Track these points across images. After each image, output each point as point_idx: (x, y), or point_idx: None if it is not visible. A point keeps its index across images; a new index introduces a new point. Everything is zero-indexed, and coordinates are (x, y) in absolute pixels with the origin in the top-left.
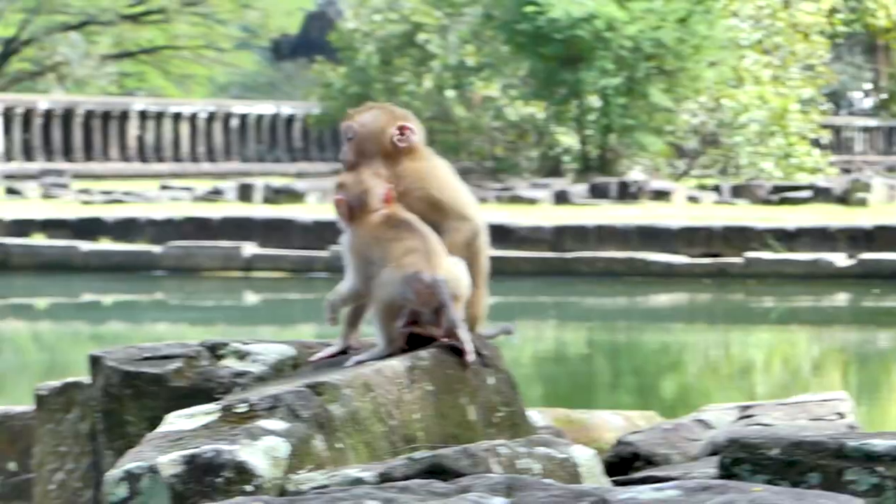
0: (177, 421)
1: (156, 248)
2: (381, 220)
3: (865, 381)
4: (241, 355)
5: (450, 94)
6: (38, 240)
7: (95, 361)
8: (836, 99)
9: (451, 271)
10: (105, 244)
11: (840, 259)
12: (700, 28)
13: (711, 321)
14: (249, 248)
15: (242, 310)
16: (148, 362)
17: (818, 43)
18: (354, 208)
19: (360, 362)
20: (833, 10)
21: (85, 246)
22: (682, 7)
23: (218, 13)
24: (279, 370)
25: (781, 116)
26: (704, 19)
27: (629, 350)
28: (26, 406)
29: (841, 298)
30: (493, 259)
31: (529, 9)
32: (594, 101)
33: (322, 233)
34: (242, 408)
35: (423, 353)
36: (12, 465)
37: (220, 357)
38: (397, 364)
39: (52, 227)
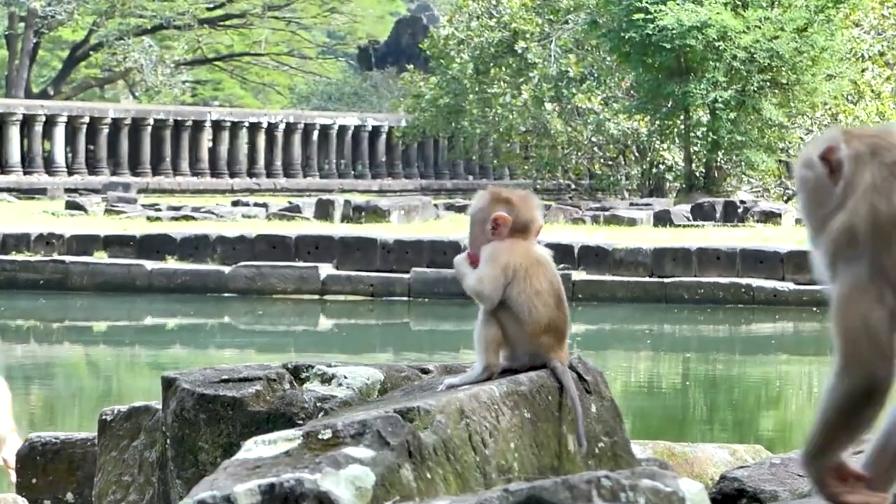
0: (255, 447)
1: (225, 269)
2: (527, 248)
3: None
4: (326, 379)
5: (548, 106)
6: (100, 258)
7: (169, 384)
8: None
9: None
10: (171, 263)
11: None
12: (819, 38)
13: (818, 352)
14: (326, 270)
15: (316, 335)
16: (225, 385)
17: None
18: (515, 229)
19: (453, 386)
20: None
21: (150, 265)
22: (802, 16)
23: (302, 18)
24: (366, 395)
25: None
26: (824, 29)
27: (729, 382)
28: (87, 432)
29: None
30: (587, 283)
31: (638, 16)
32: (702, 115)
33: (404, 254)
34: (326, 434)
35: (523, 377)
36: (70, 497)
37: (303, 380)
38: (494, 389)
39: (115, 244)
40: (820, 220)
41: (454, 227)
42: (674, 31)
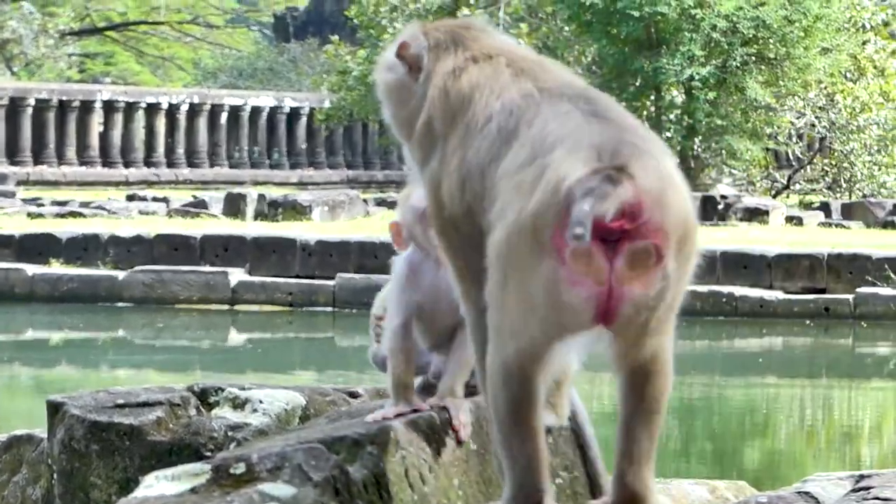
0: (157, 483)
1: (119, 274)
2: None
3: None
4: (239, 403)
5: None
6: None
7: (55, 409)
8: None
9: None
10: (56, 268)
11: None
12: (813, 5)
13: (812, 372)
14: (237, 275)
15: (226, 352)
16: (121, 411)
17: None
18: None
19: (388, 416)
20: None
21: (31, 269)
22: None
23: None
24: (285, 422)
25: None
26: None
27: (708, 407)
28: None
29: None
30: None
31: None
32: (676, 95)
33: (328, 257)
34: (239, 468)
35: (468, 403)
36: None
37: (211, 405)
38: (435, 416)
39: None
40: (406, 121)
41: (386, 226)
42: None
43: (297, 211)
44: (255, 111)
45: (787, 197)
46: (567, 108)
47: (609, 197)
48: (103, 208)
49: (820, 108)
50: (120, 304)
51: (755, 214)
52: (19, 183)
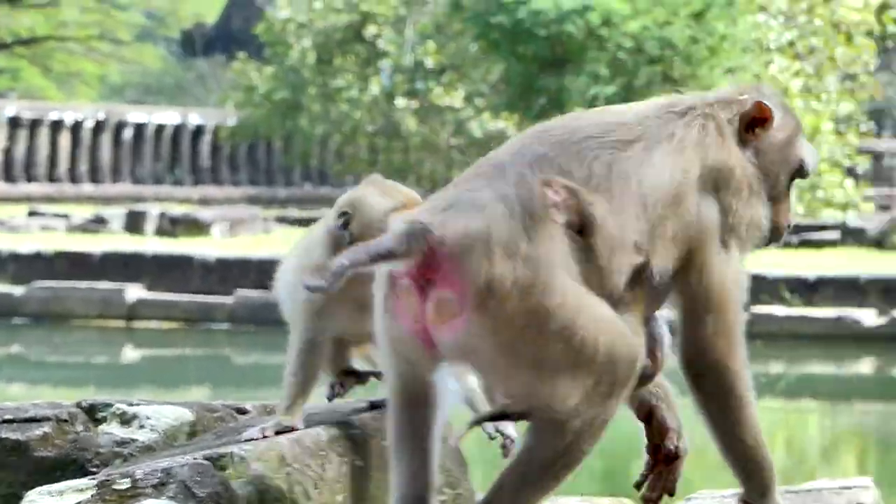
0: (40, 499)
1: (17, 290)
2: None
3: (893, 466)
4: (126, 419)
5: (401, 102)
6: None
7: None
8: (880, 117)
9: None
10: None
11: (869, 317)
12: (719, 25)
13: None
14: (134, 292)
15: (122, 368)
16: (9, 426)
17: (864, 47)
18: None
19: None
20: (885, 7)
21: None
22: None
23: None
24: (172, 438)
25: (811, 137)
26: (725, 14)
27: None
28: None
29: (868, 365)
30: None
31: None
32: None
33: (226, 274)
34: (124, 483)
35: (356, 418)
36: None
37: (99, 421)
38: (321, 433)
39: None
40: None
41: (286, 244)
42: (550, 16)
43: (197, 228)
44: (160, 128)
45: None
46: (492, 164)
47: (407, 251)
48: (3, 224)
49: None
50: (16, 321)
51: None
52: None
